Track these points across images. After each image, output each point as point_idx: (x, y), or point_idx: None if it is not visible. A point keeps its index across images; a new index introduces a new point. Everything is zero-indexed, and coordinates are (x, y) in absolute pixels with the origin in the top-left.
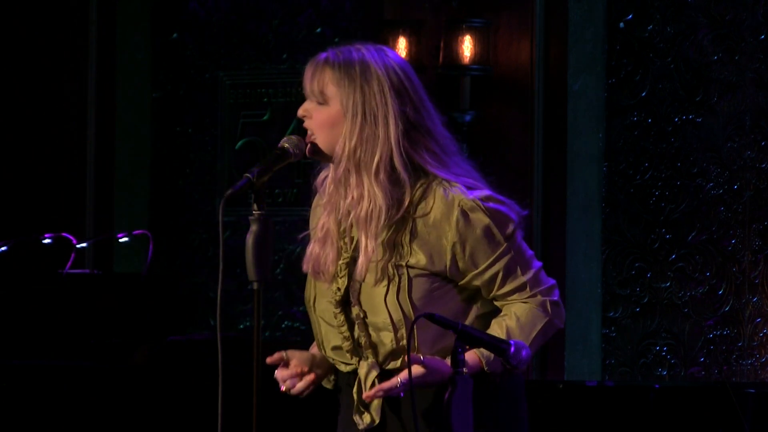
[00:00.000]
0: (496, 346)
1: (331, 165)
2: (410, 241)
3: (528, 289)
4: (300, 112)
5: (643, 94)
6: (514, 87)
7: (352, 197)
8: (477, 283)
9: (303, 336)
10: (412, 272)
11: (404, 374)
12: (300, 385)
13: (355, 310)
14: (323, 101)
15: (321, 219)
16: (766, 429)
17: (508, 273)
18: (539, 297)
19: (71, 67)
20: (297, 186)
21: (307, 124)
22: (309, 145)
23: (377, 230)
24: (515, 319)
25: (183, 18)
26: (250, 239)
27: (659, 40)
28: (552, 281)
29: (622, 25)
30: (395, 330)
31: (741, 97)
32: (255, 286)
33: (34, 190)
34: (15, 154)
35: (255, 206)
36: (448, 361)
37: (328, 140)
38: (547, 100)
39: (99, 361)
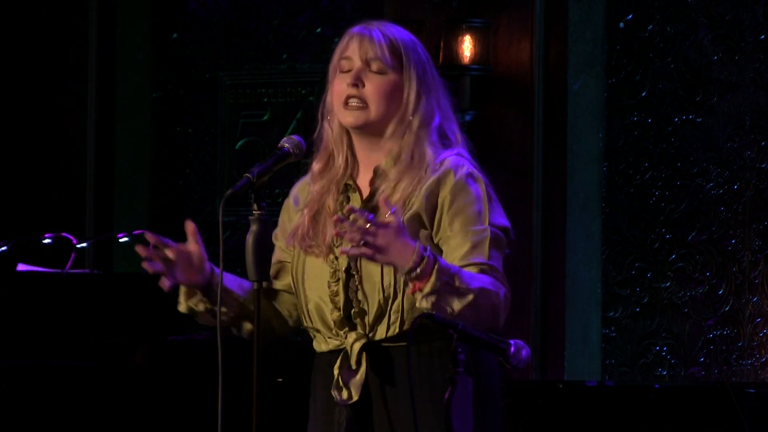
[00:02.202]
0: (496, 345)
1: (354, 138)
2: (416, 199)
3: (489, 270)
4: (352, 79)
5: (643, 94)
6: (514, 87)
7: (387, 163)
8: (445, 241)
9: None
10: (412, 229)
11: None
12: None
13: (352, 278)
14: (384, 70)
15: (311, 197)
16: (766, 429)
17: (479, 249)
18: (497, 280)
19: (71, 67)
20: None
21: (356, 92)
22: (357, 113)
23: (403, 190)
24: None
25: (183, 18)
26: (250, 239)
27: (659, 40)
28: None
29: (622, 25)
30: (383, 290)
31: (741, 97)
32: (255, 286)
33: (34, 190)
34: (15, 154)
35: (255, 206)
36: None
37: (383, 109)
38: (547, 100)
39: (99, 361)
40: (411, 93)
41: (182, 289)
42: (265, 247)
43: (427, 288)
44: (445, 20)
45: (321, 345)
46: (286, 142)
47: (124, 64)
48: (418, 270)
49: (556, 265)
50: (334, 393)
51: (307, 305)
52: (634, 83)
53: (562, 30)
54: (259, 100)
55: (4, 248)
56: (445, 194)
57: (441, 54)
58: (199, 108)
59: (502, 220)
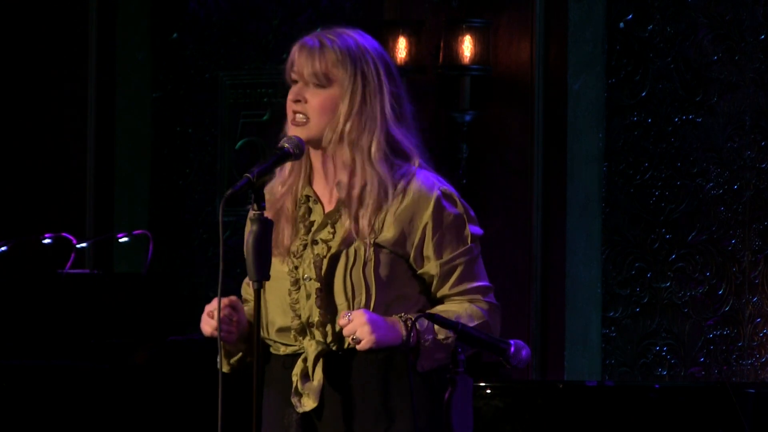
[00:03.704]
0: (496, 345)
1: (310, 150)
2: (384, 220)
3: (478, 294)
4: (293, 96)
5: (643, 94)
6: (514, 87)
7: (344, 179)
8: (434, 272)
9: None
10: (380, 251)
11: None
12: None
13: (314, 285)
14: (323, 84)
15: (273, 198)
16: (766, 429)
17: (467, 273)
18: (484, 302)
19: (71, 67)
20: None
21: (299, 108)
22: (300, 129)
23: (367, 210)
24: (452, 312)
25: (183, 18)
26: (250, 239)
27: (659, 40)
28: (497, 303)
29: (622, 25)
30: (353, 302)
31: (741, 97)
32: (255, 286)
33: (34, 190)
34: (15, 154)
35: (255, 206)
36: (399, 327)
37: (323, 124)
38: (547, 100)
39: (99, 361)
40: (347, 103)
41: (224, 351)
42: (265, 247)
43: (421, 348)
44: (445, 20)
45: (279, 349)
46: (285, 142)
47: (124, 64)
48: (411, 341)
49: (556, 265)
50: (294, 401)
51: (266, 315)
52: (634, 83)
53: (562, 30)
54: (259, 100)
55: (4, 248)
56: (424, 221)
57: (441, 54)
58: (199, 108)
59: (476, 230)
